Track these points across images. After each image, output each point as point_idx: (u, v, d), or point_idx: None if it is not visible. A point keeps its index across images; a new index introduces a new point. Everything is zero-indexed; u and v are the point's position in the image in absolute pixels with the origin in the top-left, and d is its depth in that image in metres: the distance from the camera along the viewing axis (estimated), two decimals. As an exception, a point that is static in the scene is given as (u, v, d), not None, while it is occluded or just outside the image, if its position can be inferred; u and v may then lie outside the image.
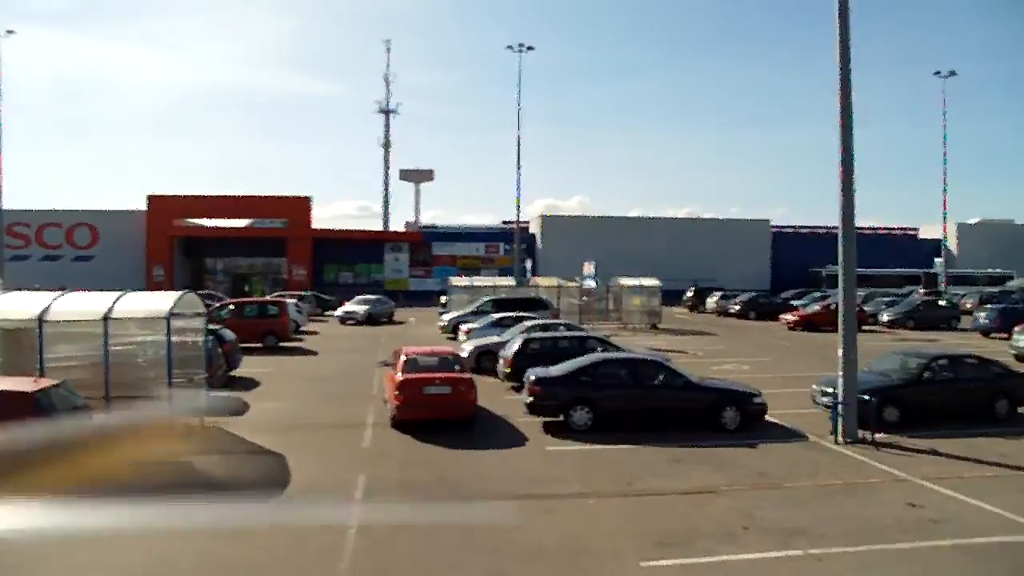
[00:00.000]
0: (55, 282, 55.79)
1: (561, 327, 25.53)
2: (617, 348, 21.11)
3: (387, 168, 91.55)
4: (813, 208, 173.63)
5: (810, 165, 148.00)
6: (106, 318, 13.16)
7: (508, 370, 20.22)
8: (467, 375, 16.64)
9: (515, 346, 20.47)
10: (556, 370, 16.22)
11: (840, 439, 15.00)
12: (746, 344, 33.44)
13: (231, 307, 30.62)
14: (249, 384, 21.28)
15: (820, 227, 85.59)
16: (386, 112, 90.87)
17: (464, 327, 29.30)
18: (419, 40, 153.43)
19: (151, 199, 61.81)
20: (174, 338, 15.57)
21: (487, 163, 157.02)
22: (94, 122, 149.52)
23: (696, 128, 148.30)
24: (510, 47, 56.77)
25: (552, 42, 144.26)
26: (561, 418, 15.59)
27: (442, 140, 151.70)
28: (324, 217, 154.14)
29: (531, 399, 15.60)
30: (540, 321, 26.27)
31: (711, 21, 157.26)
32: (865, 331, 40.72)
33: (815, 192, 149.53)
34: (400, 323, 43.40)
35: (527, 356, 20.21)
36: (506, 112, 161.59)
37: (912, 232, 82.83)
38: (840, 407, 15.07)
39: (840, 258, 15.58)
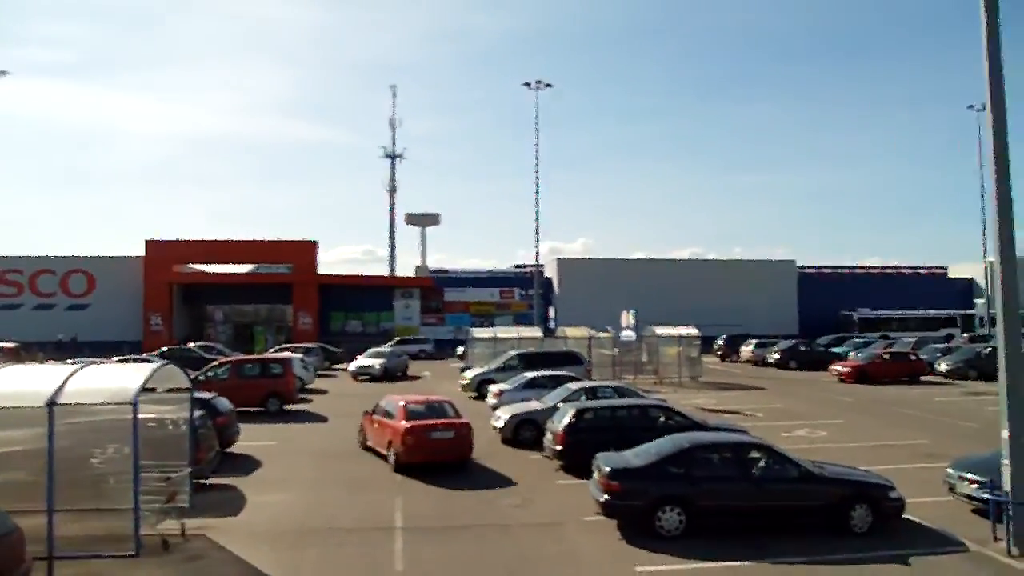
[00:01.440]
0: (50, 333, 53.12)
1: (609, 389, 22.07)
2: (683, 416, 17.69)
3: (393, 212, 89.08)
4: (813, 249, 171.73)
5: (808, 205, 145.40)
6: (51, 405, 9.80)
7: (559, 447, 16.77)
8: (465, 420, 18.02)
9: (566, 418, 17.01)
10: (636, 458, 12.76)
11: (1014, 549, 11.50)
12: (804, 401, 29.88)
13: (227, 366, 27.08)
14: (248, 465, 17.83)
15: (844, 267, 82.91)
16: (392, 157, 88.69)
17: (493, 388, 25.83)
18: (422, 88, 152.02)
19: (149, 244, 58.76)
20: (151, 419, 12.28)
21: (492, 207, 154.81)
22: (95, 172, 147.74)
23: (696, 171, 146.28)
24: (527, 84, 54.64)
25: (553, 89, 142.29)
26: (646, 519, 12.12)
27: (446, 186, 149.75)
28: (329, 261, 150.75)
29: (607, 497, 12.12)
30: (584, 384, 22.77)
31: (705, 66, 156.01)
32: (925, 383, 37.38)
33: (815, 232, 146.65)
34: (415, 378, 39.84)
35: (581, 430, 16.82)
36: (510, 158, 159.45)
37: (940, 271, 79.70)
38: (1011, 507, 11.60)
39: (1000, 308, 12.23)
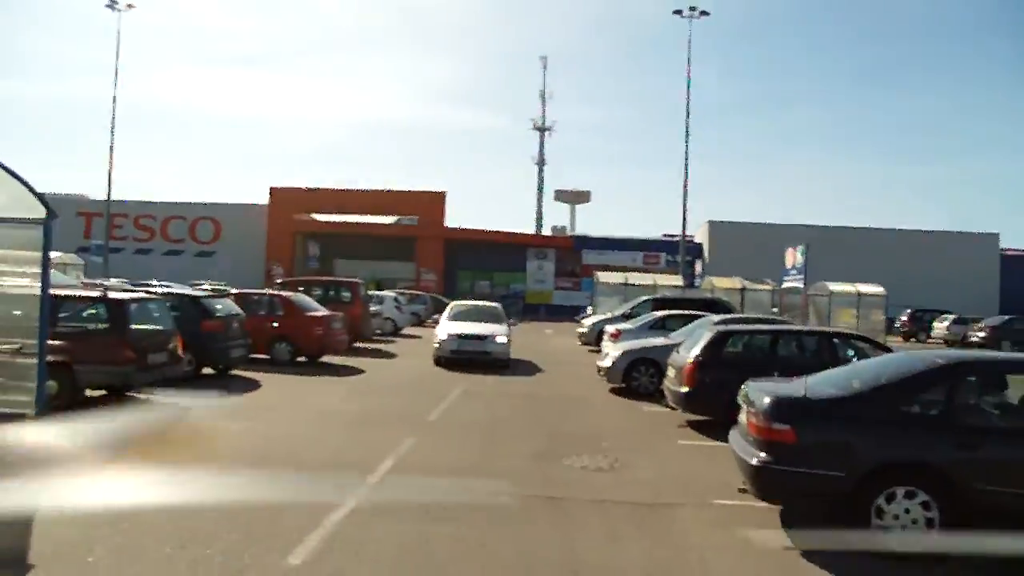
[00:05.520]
0: (177, 279, 51.38)
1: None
2: (887, 351, 10.87)
3: (541, 186, 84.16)
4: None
5: (992, 198, 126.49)
6: None
7: (685, 389, 10.50)
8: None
9: (699, 345, 10.72)
10: (825, 386, 6.38)
11: None
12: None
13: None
14: (237, 386, 12.72)
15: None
16: (541, 130, 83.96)
17: (610, 328, 19.63)
18: (576, 75, 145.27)
19: (273, 191, 56.28)
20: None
21: (644, 193, 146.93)
22: (264, 155, 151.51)
23: (859, 160, 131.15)
24: (678, 11, 47.26)
25: (710, 77, 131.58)
26: (857, 507, 5.74)
27: (597, 171, 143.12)
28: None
29: (763, 457, 5.82)
30: (729, 316, 16.34)
31: (862, 52, 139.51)
32: None
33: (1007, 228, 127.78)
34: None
35: (721, 364, 10.51)
36: (662, 149, 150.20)
37: None
38: None
39: None
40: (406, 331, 29.41)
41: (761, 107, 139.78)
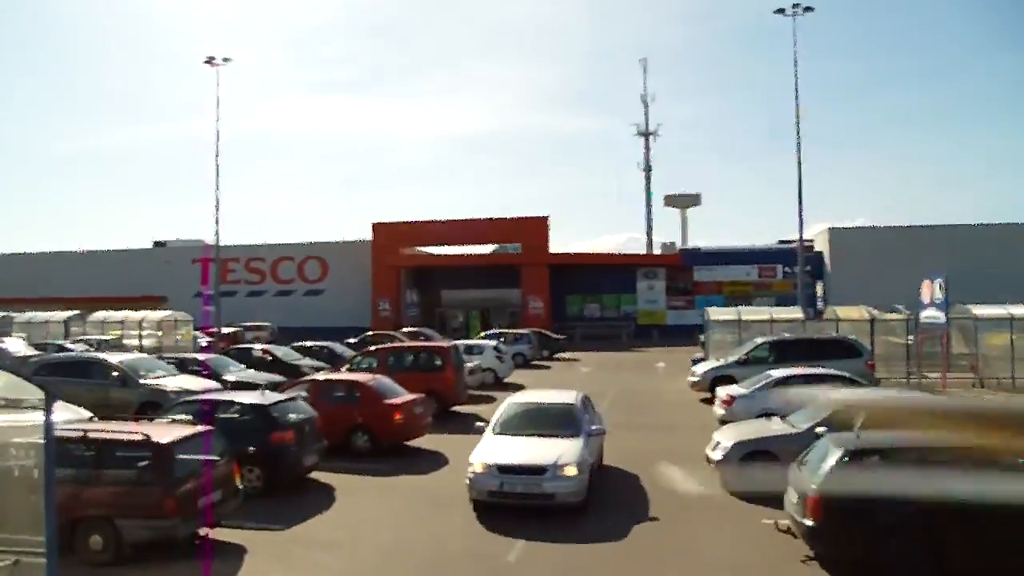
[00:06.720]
0: (289, 319, 52.11)
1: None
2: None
3: (648, 192, 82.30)
4: None
5: None
6: None
7: (811, 523, 8.65)
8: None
9: (827, 465, 8.84)
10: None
11: None
12: None
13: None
14: (312, 504, 11.71)
15: None
16: (645, 135, 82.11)
17: (722, 393, 17.70)
18: (680, 71, 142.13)
19: (376, 227, 56.51)
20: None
21: (757, 188, 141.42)
22: (368, 178, 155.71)
23: (996, 135, 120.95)
24: (781, 10, 44.14)
25: (817, 62, 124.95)
26: None
27: (706, 169, 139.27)
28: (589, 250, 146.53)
29: None
30: (864, 392, 14.16)
31: (982, 25, 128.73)
32: None
33: None
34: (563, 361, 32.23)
35: (858, 494, 8.62)
36: (771, 144, 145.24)
37: None
38: None
39: None
40: (510, 378, 28.10)
41: (867, 89, 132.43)
